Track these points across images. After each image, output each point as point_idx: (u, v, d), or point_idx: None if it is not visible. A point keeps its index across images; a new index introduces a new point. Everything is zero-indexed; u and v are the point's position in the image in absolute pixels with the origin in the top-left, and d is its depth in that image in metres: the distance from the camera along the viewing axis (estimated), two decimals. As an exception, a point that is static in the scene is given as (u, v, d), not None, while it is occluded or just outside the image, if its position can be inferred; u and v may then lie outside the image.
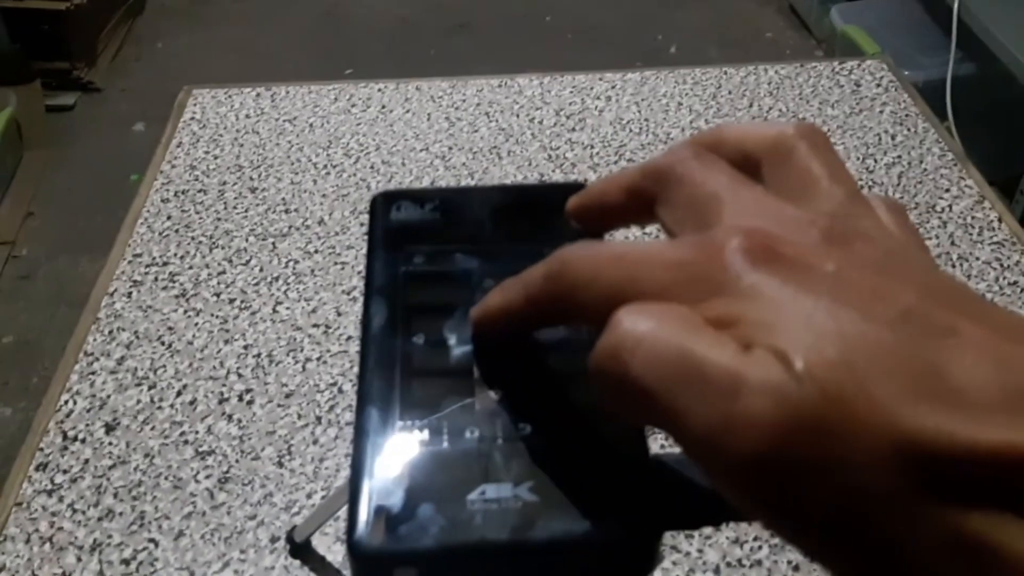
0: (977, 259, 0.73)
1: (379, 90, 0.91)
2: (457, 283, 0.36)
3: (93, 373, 0.64)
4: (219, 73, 2.51)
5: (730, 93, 0.90)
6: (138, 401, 0.62)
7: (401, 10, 2.81)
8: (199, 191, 0.80)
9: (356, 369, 0.63)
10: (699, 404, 0.18)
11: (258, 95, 0.91)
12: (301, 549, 0.55)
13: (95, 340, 0.66)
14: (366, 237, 0.41)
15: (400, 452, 0.29)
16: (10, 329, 1.83)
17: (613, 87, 0.91)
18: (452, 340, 0.33)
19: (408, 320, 0.34)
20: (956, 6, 1.77)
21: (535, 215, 0.39)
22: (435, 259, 0.37)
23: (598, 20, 2.75)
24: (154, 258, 0.73)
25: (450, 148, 0.84)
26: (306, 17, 2.78)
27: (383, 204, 0.39)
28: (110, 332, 0.67)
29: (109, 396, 0.62)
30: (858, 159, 0.81)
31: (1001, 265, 0.73)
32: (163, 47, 2.62)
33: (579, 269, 0.23)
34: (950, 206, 0.78)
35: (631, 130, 0.86)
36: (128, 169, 2.13)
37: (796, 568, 0.54)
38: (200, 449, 0.59)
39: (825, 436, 0.17)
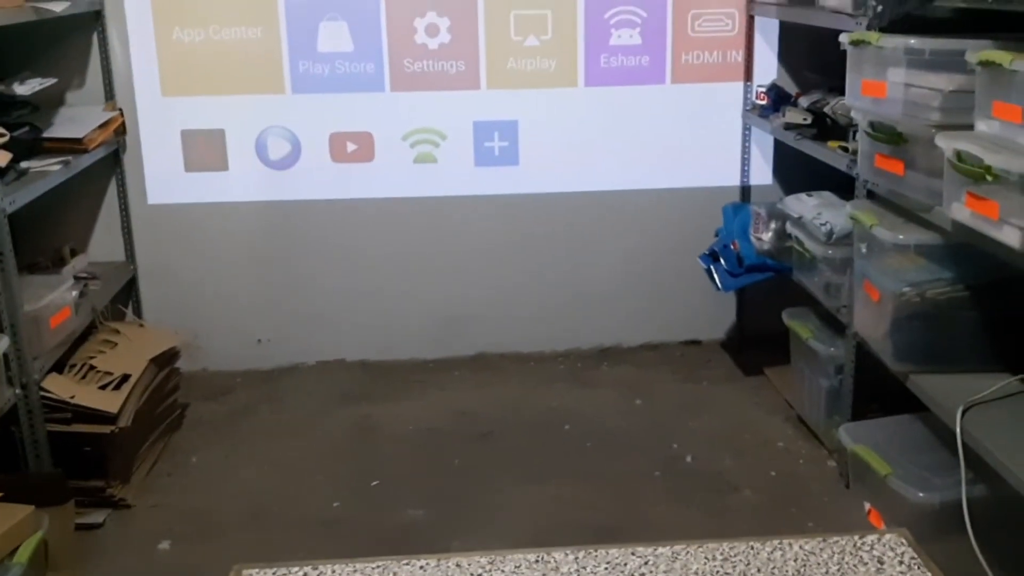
0: None
1: (421, 567, 0.95)
2: None
3: None
4: (249, 486, 2.58)
5: (759, 571, 0.93)
6: None
7: (428, 421, 2.95)
8: None
9: None
10: None
11: (304, 574, 0.95)
12: None
13: None
14: None
15: None
16: None
17: (646, 563, 0.95)
18: None
19: None
20: (959, 432, 1.86)
21: None
22: None
23: (615, 428, 2.87)
24: None
25: (490, 635, 0.86)
26: (339, 428, 2.92)
27: None
28: None
29: None
30: (894, 650, 0.82)
31: None
32: (197, 461, 2.73)
33: None
34: None
35: (667, 613, 0.88)
36: (150, 594, 2.13)
37: None
38: None
39: None
